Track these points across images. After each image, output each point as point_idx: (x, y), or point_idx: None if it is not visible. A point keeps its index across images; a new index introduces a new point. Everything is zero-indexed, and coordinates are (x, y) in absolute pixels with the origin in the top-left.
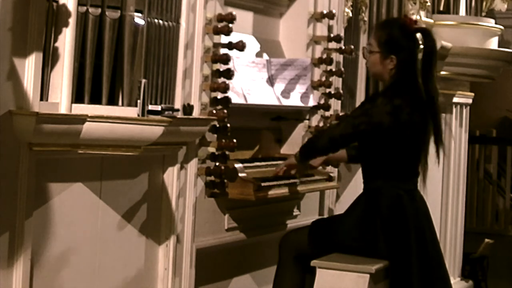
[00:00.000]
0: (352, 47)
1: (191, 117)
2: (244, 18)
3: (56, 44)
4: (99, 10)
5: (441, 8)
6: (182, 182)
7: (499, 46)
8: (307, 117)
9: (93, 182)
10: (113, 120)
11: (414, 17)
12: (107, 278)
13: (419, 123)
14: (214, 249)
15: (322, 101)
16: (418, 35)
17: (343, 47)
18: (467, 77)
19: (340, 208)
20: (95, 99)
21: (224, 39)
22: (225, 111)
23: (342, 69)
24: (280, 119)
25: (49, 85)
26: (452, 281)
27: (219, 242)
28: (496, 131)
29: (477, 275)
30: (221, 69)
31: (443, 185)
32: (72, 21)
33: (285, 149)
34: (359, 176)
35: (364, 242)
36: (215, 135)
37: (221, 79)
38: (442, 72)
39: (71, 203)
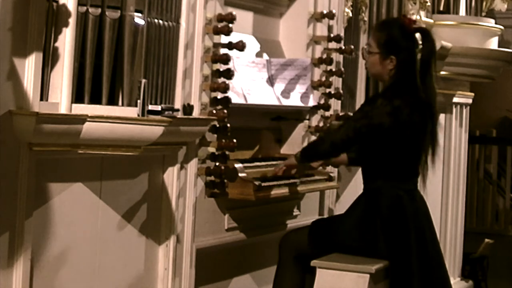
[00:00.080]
0: (352, 47)
1: (191, 117)
2: (244, 18)
3: (56, 44)
4: (99, 10)
5: (441, 8)
6: (182, 182)
7: (499, 46)
8: (307, 117)
9: (93, 182)
10: (113, 120)
11: (414, 17)
12: (107, 278)
13: (419, 123)
14: (214, 249)
15: (322, 101)
16: (417, 35)
17: (343, 47)
18: (467, 77)
19: (340, 208)
20: (95, 99)
21: (224, 39)
22: (225, 111)
23: (342, 69)
24: (280, 119)
25: (49, 85)
26: (452, 281)
27: (219, 242)
28: (496, 131)
29: (477, 275)
30: (221, 69)
31: (443, 185)
32: (72, 21)
33: (285, 149)
34: (359, 176)
35: (364, 242)
36: (215, 135)
37: (221, 79)
38: (442, 72)
39: (71, 203)
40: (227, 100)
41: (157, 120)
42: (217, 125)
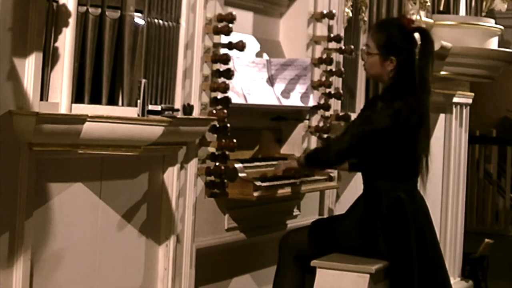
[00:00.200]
0: (352, 47)
1: (191, 117)
2: (244, 18)
3: (56, 44)
4: (99, 10)
5: (441, 8)
6: (182, 182)
7: (499, 46)
8: (307, 117)
9: (93, 182)
10: (113, 120)
11: (414, 17)
12: (107, 278)
13: (419, 123)
14: (214, 249)
15: (322, 101)
16: (416, 34)
17: (343, 47)
18: (467, 77)
19: (340, 208)
20: (95, 99)
21: (224, 39)
22: (225, 111)
23: (342, 69)
24: (280, 119)
25: (49, 85)
26: (452, 281)
27: (219, 242)
28: (496, 131)
29: (477, 275)
30: (221, 69)
31: (443, 185)
32: (72, 21)
33: (285, 149)
34: (359, 176)
35: (364, 242)
36: (215, 135)
37: (221, 79)
38: (442, 72)
39: (71, 203)
40: (227, 100)
41: (157, 120)
42: (217, 125)
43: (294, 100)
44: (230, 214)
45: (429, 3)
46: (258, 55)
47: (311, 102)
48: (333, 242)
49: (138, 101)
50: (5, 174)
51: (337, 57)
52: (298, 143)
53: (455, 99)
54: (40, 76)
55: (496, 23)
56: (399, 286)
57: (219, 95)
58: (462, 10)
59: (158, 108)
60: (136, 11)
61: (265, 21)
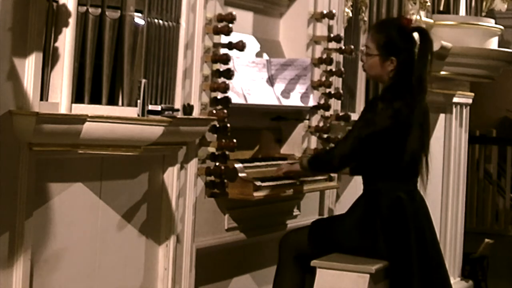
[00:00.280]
0: (352, 47)
1: (191, 117)
2: (244, 18)
3: (56, 44)
4: (99, 10)
5: (441, 8)
6: (182, 182)
7: (499, 46)
8: (307, 117)
9: (93, 182)
10: (113, 120)
11: (414, 17)
12: (107, 278)
13: (418, 123)
14: (214, 249)
15: (322, 101)
16: (415, 34)
17: (343, 47)
18: (467, 77)
19: (340, 208)
20: (95, 99)
21: (224, 39)
22: (225, 111)
23: (342, 69)
24: (280, 119)
25: (49, 85)
26: (452, 281)
27: (219, 242)
28: (496, 131)
29: (477, 275)
30: (221, 69)
31: (443, 185)
32: (72, 21)
33: (285, 149)
34: (359, 176)
35: (364, 242)
36: (215, 135)
37: (221, 79)
38: (442, 72)
39: (71, 203)
40: (227, 100)
41: (157, 120)
42: (217, 125)
43: (294, 100)
44: (230, 214)
45: (429, 3)
46: (258, 55)
47: (311, 102)
48: (333, 242)
49: (138, 101)
50: (5, 174)
51: (337, 57)
52: (298, 143)
53: (455, 99)
54: (40, 76)
55: (496, 23)
56: (399, 286)
57: (219, 95)
58: (462, 10)
59: (158, 108)
60: (136, 11)
61: (265, 21)
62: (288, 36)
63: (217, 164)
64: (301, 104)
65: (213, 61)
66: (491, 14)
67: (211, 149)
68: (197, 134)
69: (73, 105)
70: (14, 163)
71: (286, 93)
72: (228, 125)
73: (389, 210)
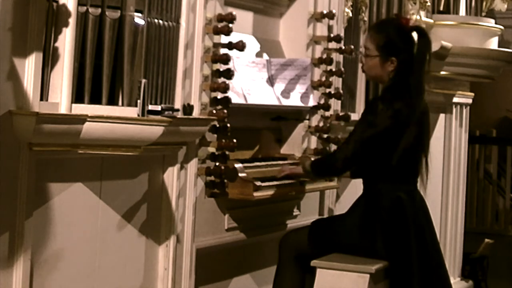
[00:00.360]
0: (352, 47)
1: (191, 117)
2: (244, 18)
3: (56, 44)
4: (99, 10)
5: (441, 8)
6: (182, 182)
7: (499, 46)
8: (307, 117)
9: (93, 182)
10: (113, 120)
11: (413, 17)
12: (107, 278)
13: (418, 123)
14: (214, 249)
15: (322, 101)
16: (413, 33)
17: (343, 47)
18: (467, 77)
19: (340, 208)
20: (95, 99)
21: (224, 39)
22: (225, 111)
23: (342, 69)
24: (280, 119)
25: (49, 85)
26: (452, 281)
27: (219, 242)
28: (496, 131)
29: (477, 275)
30: (221, 69)
31: (443, 185)
32: (72, 21)
33: (285, 149)
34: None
35: (364, 242)
36: (215, 135)
37: (221, 79)
38: (442, 72)
39: (71, 203)
40: (227, 100)
41: (157, 120)
42: (217, 125)
43: (294, 100)
44: (230, 214)
45: (429, 3)
46: (258, 55)
47: (311, 102)
48: (333, 242)
49: (138, 101)
50: (5, 174)
51: (337, 57)
52: (298, 143)
53: (455, 99)
54: (40, 76)
55: (496, 23)
56: (399, 286)
57: (219, 95)
58: (462, 10)
59: (158, 108)
60: (136, 11)
61: (265, 21)
62: (288, 36)
63: (217, 164)
64: (301, 104)
65: (213, 61)
66: (491, 14)
67: (211, 149)
68: (197, 134)
69: (73, 105)
70: (14, 163)
71: (286, 93)
72: (228, 125)
73: (389, 211)
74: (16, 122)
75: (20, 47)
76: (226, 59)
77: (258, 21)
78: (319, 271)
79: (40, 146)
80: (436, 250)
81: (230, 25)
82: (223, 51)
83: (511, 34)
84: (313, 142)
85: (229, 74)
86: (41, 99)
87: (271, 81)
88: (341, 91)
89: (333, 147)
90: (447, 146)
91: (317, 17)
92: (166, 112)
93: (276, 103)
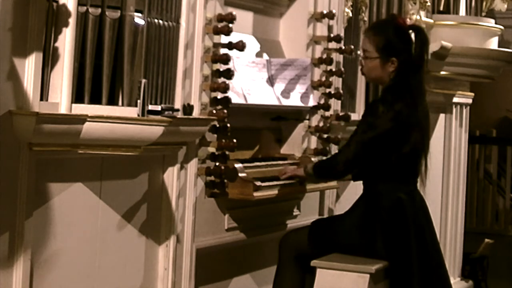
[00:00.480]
0: (352, 47)
1: (191, 117)
2: (244, 18)
3: (56, 44)
4: (99, 10)
5: (441, 8)
6: (182, 182)
7: (499, 46)
8: (307, 117)
9: (93, 182)
10: (113, 120)
11: (414, 17)
12: (107, 278)
13: (418, 123)
14: (214, 249)
15: (322, 101)
16: (411, 32)
17: (343, 47)
18: (467, 77)
19: (340, 208)
20: (95, 99)
21: (224, 39)
22: (225, 111)
23: (342, 69)
24: (280, 119)
25: (49, 85)
26: (452, 281)
27: (219, 242)
28: (496, 131)
29: (477, 275)
30: (221, 69)
31: (443, 185)
32: (72, 21)
33: (285, 149)
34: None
35: (364, 242)
36: (215, 135)
37: (221, 79)
38: (442, 72)
39: (71, 203)
40: (227, 100)
41: (157, 120)
42: (217, 125)
43: (294, 100)
44: (230, 214)
45: (429, 3)
46: (258, 55)
47: (311, 102)
48: (333, 242)
49: (138, 101)
50: (5, 174)
51: (337, 57)
52: (298, 143)
53: (455, 99)
54: (40, 76)
55: (496, 23)
56: (399, 286)
57: (219, 95)
58: (462, 10)
59: (158, 108)
60: (136, 11)
61: (265, 21)
62: (288, 36)
63: (217, 164)
64: (301, 104)
65: (213, 61)
66: (491, 14)
67: (211, 149)
68: (197, 134)
69: (73, 105)
70: (14, 163)
71: (286, 93)
72: (228, 125)
73: (389, 211)
74: (16, 122)
75: (20, 47)
76: (226, 59)
77: (258, 21)
78: (319, 271)
79: (40, 146)
80: (436, 250)
81: (230, 25)
82: (223, 51)
83: (511, 34)
84: (313, 142)
85: (229, 74)
86: (41, 99)
87: (271, 81)
88: (341, 91)
89: (333, 147)
90: (447, 146)
91: (317, 17)
92: (166, 112)
93: (276, 103)
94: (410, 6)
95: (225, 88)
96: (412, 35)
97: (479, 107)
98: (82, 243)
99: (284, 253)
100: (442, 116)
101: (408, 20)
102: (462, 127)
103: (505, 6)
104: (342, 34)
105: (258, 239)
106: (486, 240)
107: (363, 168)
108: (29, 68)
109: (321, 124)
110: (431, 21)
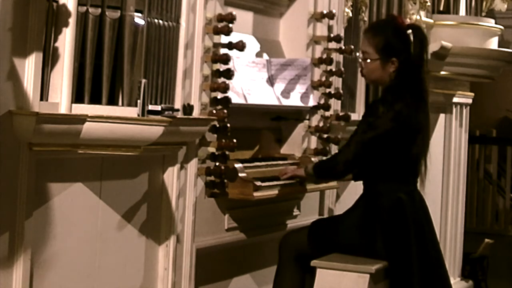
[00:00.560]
0: (352, 47)
1: (191, 117)
2: (244, 18)
3: (56, 44)
4: (99, 10)
5: (441, 8)
6: (182, 182)
7: (499, 46)
8: (307, 117)
9: (93, 182)
10: (113, 120)
11: (414, 17)
12: (107, 278)
13: (418, 123)
14: (214, 249)
15: (322, 101)
16: (409, 31)
17: (343, 47)
18: (467, 77)
19: (340, 208)
20: (95, 99)
21: (224, 39)
22: (225, 111)
23: (342, 69)
24: (280, 119)
25: (49, 85)
26: (452, 281)
27: (219, 242)
28: (496, 131)
29: (477, 275)
30: (221, 69)
31: (443, 185)
32: (72, 21)
33: (285, 149)
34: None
35: (364, 242)
36: (215, 135)
37: (221, 79)
38: (442, 72)
39: (71, 203)
40: (227, 100)
41: (157, 120)
42: (217, 125)
43: (294, 100)
44: (230, 214)
45: (429, 3)
46: (258, 55)
47: (311, 102)
48: (333, 242)
49: (138, 101)
50: (5, 174)
51: (337, 57)
52: (298, 143)
53: (455, 99)
54: (40, 76)
55: (496, 23)
56: (399, 286)
57: (219, 95)
58: (462, 10)
59: (158, 108)
60: (136, 11)
61: (265, 21)
62: (288, 36)
63: (217, 164)
64: (301, 104)
65: (213, 61)
66: (491, 14)
67: (211, 149)
68: (197, 134)
69: (73, 105)
70: (14, 163)
71: (286, 93)
72: (228, 125)
73: (389, 211)
74: (16, 122)
75: (20, 47)
76: (226, 59)
77: (258, 21)
78: (319, 271)
79: (40, 146)
80: (436, 250)
81: (230, 25)
82: (223, 51)
83: (511, 34)
84: (313, 142)
85: (229, 74)
86: (41, 99)
87: (271, 81)
88: (341, 91)
89: (333, 147)
90: (447, 146)
91: (317, 17)
92: (166, 112)
93: (276, 103)
94: (410, 6)
95: (225, 88)
96: (411, 35)
97: (479, 107)
98: (82, 243)
99: (284, 253)
100: (442, 116)
101: (408, 20)
102: (462, 127)
103: (505, 6)
104: (342, 34)
105: (258, 239)
106: (486, 240)
107: (363, 168)
108: (29, 68)
109: (321, 124)
110: (431, 21)
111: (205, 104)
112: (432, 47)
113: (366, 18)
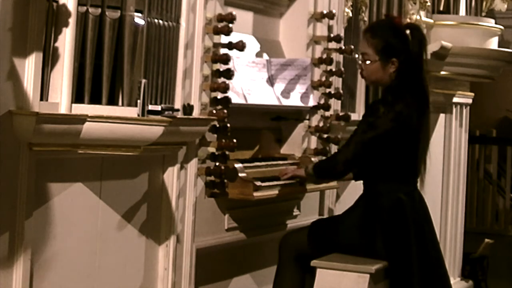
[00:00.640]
0: (352, 47)
1: (191, 117)
2: (244, 18)
3: (56, 44)
4: (99, 10)
5: (441, 8)
6: (182, 182)
7: (499, 46)
8: (307, 117)
9: (93, 182)
10: (113, 120)
11: (414, 17)
12: (107, 278)
13: (418, 123)
14: (214, 249)
15: (322, 101)
16: (408, 31)
17: (343, 47)
18: (467, 77)
19: (340, 208)
20: (95, 99)
21: (224, 39)
22: (225, 111)
23: (342, 69)
24: (280, 119)
25: (49, 85)
26: (452, 281)
27: (219, 242)
28: (496, 131)
29: (477, 275)
30: (221, 69)
31: (443, 185)
32: (72, 21)
33: (285, 149)
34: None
35: (364, 242)
36: (215, 135)
37: (221, 79)
38: (442, 72)
39: (71, 203)
40: (227, 100)
41: (157, 120)
42: (217, 125)
43: (294, 100)
44: (230, 214)
45: (429, 3)
46: (258, 55)
47: (311, 102)
48: (333, 242)
49: (138, 101)
50: (5, 174)
51: (337, 57)
52: (298, 143)
53: (455, 99)
54: (40, 76)
55: (496, 23)
56: (399, 286)
57: (219, 95)
58: (462, 10)
59: (158, 108)
60: (136, 11)
61: (265, 21)
62: (288, 36)
63: (217, 164)
64: (301, 104)
65: (213, 61)
66: (491, 14)
67: (211, 149)
68: (197, 134)
69: (73, 105)
70: (14, 163)
71: (286, 93)
72: (228, 125)
73: (389, 211)
74: (16, 122)
75: (20, 47)
76: (226, 59)
77: (258, 21)
78: (319, 271)
79: (40, 146)
80: (436, 250)
81: (230, 25)
82: (223, 51)
83: (511, 34)
84: (313, 142)
85: (229, 74)
86: (41, 99)
87: (271, 81)
88: (341, 91)
89: (333, 147)
90: (447, 146)
91: (317, 17)
92: (166, 112)
93: (276, 103)
94: (410, 6)
95: (225, 88)
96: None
97: (479, 107)
98: (82, 243)
99: (284, 253)
100: (442, 116)
101: (408, 20)
102: (462, 127)
103: (505, 6)
104: (342, 34)
105: (258, 239)
106: (486, 240)
107: (363, 168)
108: (29, 68)
109: (321, 124)
110: (431, 21)
111: (205, 104)
112: (432, 47)
113: (366, 18)
